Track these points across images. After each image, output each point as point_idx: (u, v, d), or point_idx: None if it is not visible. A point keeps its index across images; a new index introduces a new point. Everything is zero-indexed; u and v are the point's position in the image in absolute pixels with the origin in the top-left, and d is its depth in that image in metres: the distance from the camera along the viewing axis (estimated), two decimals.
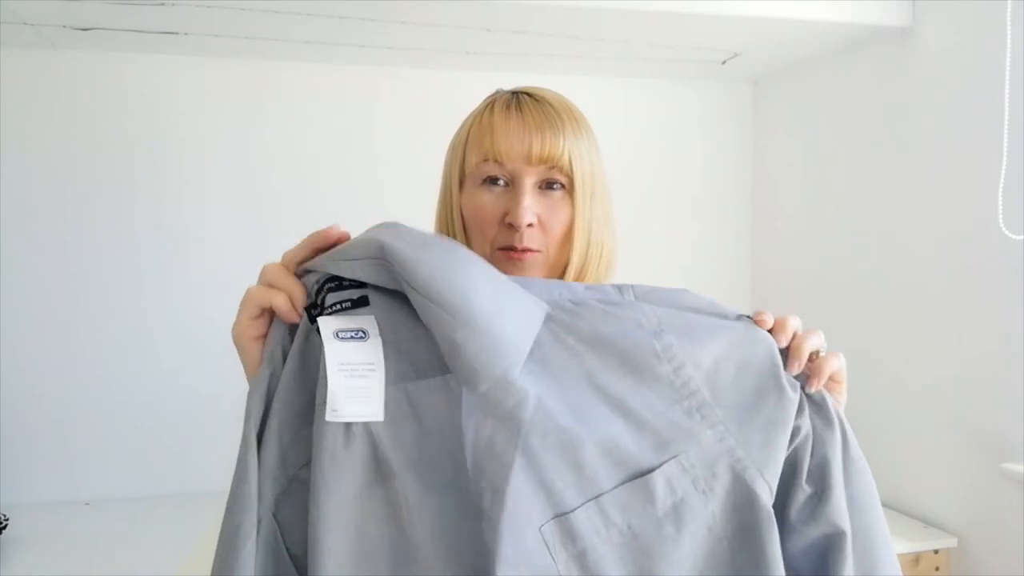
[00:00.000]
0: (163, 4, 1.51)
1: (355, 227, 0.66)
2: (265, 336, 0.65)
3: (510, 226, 0.86)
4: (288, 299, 0.65)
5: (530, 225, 0.86)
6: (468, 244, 0.90)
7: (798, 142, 2.10)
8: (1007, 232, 1.47)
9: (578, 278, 0.90)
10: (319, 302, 0.61)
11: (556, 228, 0.87)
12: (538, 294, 0.64)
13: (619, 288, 0.67)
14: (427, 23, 1.64)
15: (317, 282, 0.62)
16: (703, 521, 0.60)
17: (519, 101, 0.90)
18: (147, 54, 1.87)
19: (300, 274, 0.65)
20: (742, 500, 0.61)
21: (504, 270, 0.90)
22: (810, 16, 1.64)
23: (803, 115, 2.07)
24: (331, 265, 0.62)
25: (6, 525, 1.56)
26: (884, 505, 1.78)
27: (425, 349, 0.60)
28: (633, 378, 0.61)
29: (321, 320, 0.59)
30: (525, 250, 0.87)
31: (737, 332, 0.64)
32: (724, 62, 2.01)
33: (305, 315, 0.62)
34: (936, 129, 1.65)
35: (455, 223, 0.92)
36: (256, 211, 1.95)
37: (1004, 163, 1.47)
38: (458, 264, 0.60)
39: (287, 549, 0.60)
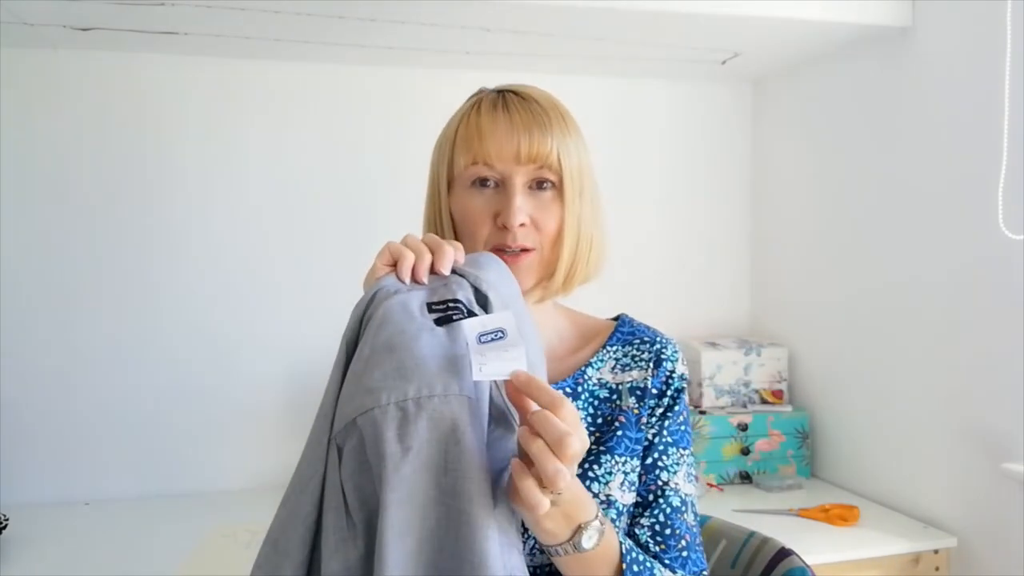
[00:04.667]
0: (163, 4, 1.51)
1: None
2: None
3: (503, 227, 0.87)
4: (412, 263, 0.73)
5: (522, 225, 0.87)
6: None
7: (798, 142, 2.10)
8: (1007, 232, 1.47)
9: (569, 275, 0.91)
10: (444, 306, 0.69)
11: (549, 226, 0.89)
12: None
13: None
14: (427, 23, 1.64)
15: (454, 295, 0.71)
16: None
17: (505, 100, 0.90)
18: (147, 54, 1.87)
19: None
20: None
21: None
22: (810, 16, 1.64)
23: (803, 115, 2.07)
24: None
25: (6, 525, 1.56)
26: (884, 505, 1.79)
27: None
28: None
29: (466, 324, 0.66)
30: (520, 251, 0.88)
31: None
32: (724, 62, 2.01)
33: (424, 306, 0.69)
34: (936, 129, 1.65)
35: (444, 224, 0.94)
36: (257, 210, 1.94)
37: (1004, 163, 1.47)
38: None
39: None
